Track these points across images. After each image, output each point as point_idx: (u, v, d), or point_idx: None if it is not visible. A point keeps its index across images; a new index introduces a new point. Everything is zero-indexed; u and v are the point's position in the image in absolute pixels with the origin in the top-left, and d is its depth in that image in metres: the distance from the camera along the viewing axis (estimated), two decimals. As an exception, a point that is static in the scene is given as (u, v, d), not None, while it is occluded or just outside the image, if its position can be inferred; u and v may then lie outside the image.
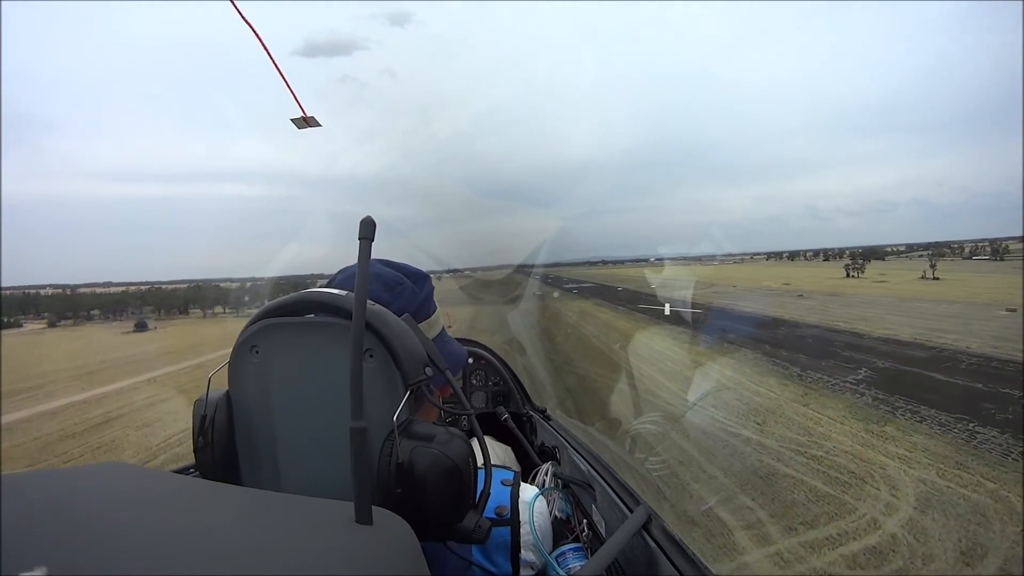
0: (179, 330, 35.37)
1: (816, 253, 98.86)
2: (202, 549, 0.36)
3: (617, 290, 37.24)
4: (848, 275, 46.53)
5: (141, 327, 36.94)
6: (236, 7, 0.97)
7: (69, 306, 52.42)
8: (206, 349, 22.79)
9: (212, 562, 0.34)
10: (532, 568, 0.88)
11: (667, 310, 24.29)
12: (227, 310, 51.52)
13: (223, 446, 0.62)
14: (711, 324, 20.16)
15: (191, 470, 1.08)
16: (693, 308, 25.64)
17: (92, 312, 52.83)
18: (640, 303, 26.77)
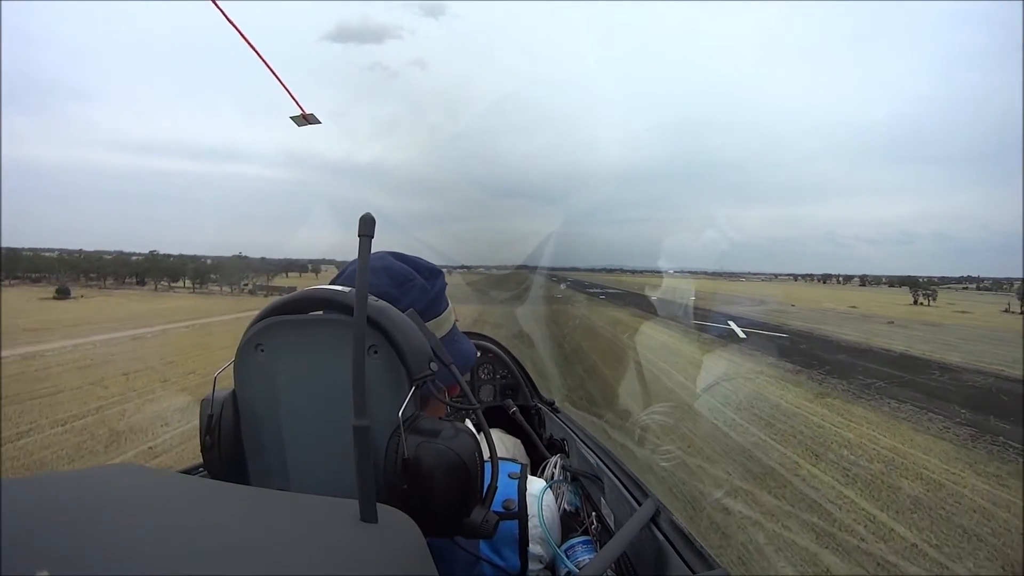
0: (102, 302, 28.84)
1: (848, 278, 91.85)
2: (208, 549, 0.35)
3: (651, 300, 30.34)
4: (915, 302, 39.73)
5: (63, 293, 30.71)
6: (218, 7, 0.96)
7: (15, 267, 46.53)
8: (83, 330, 16.14)
9: (218, 562, 0.34)
10: (540, 561, 0.87)
11: (740, 332, 17.58)
12: (186, 284, 45.51)
13: (230, 445, 0.62)
14: (826, 359, 13.07)
15: (199, 470, 1.09)
16: (775, 332, 18.82)
17: (42, 275, 47.15)
18: (692, 318, 19.77)
